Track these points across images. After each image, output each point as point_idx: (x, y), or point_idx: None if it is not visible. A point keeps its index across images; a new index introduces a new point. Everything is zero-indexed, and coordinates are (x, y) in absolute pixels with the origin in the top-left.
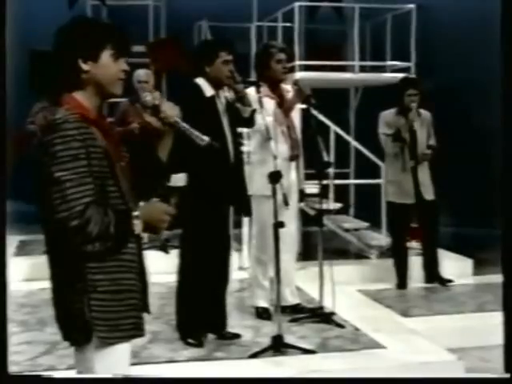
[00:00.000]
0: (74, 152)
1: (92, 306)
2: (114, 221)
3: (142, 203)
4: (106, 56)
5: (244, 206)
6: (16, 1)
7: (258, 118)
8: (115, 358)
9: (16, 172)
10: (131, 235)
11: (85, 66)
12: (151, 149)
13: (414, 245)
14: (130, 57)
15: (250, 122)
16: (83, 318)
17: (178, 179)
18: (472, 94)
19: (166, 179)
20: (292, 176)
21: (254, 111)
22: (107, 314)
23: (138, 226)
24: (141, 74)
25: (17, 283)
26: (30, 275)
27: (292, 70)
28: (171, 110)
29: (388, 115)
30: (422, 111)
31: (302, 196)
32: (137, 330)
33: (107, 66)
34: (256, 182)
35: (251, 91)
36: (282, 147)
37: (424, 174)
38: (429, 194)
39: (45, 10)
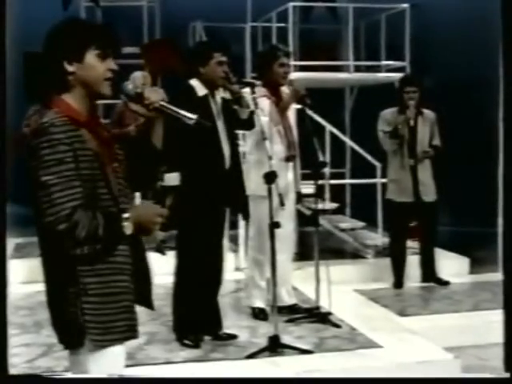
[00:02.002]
0: (60, 156)
1: (84, 310)
2: (103, 223)
3: (134, 204)
4: (90, 56)
5: (242, 209)
6: (13, 3)
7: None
8: (109, 361)
9: (12, 174)
10: (121, 237)
11: (70, 68)
12: (145, 137)
13: (411, 244)
14: (125, 58)
15: (248, 124)
16: (77, 321)
17: (172, 178)
18: (468, 92)
19: (163, 167)
20: (289, 176)
21: (252, 113)
22: (99, 316)
23: (128, 227)
24: (137, 75)
25: (13, 286)
26: (26, 278)
27: (289, 71)
28: (155, 95)
29: (388, 113)
30: (426, 111)
31: (300, 197)
32: (130, 332)
33: (93, 66)
34: (252, 183)
35: (247, 91)
36: (278, 147)
37: (425, 173)
38: (428, 194)
39: (39, 11)
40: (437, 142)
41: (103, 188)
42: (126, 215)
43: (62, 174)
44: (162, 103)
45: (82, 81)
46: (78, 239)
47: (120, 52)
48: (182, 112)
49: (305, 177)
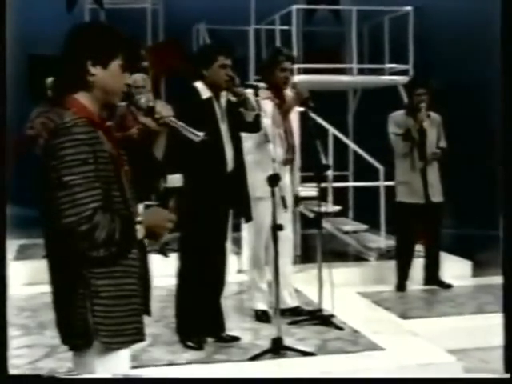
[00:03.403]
0: (83, 156)
1: (95, 312)
2: (120, 227)
3: (142, 209)
4: (115, 65)
5: (245, 211)
6: (15, 5)
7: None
8: (116, 363)
9: (15, 176)
10: (134, 241)
11: (93, 70)
12: (147, 148)
13: (416, 247)
14: None
15: (254, 127)
16: (85, 322)
17: (175, 180)
18: (470, 94)
19: (162, 178)
20: (286, 180)
21: (257, 115)
22: (110, 319)
23: (140, 231)
24: (137, 78)
25: (17, 287)
26: (30, 279)
27: (292, 74)
28: (165, 110)
29: (397, 116)
30: (432, 113)
31: (297, 200)
32: (138, 335)
33: (114, 75)
34: (251, 184)
35: (250, 92)
36: (278, 150)
37: (433, 175)
38: (436, 195)
39: (43, 14)
40: (443, 143)
41: (116, 191)
42: (139, 219)
43: (85, 175)
44: (172, 119)
45: (101, 86)
46: (97, 241)
47: (135, 70)
48: (190, 129)
49: (308, 179)
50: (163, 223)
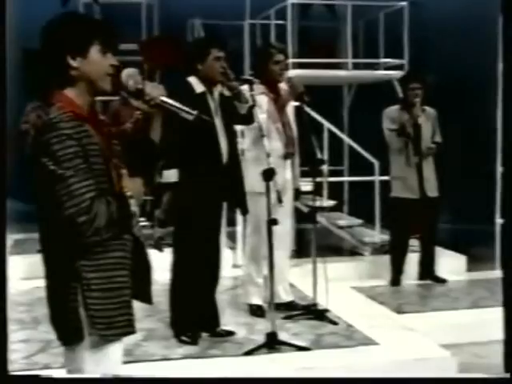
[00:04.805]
0: (72, 150)
1: (87, 305)
2: (116, 206)
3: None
4: (94, 51)
5: (240, 203)
6: (13, 2)
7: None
8: (107, 358)
9: (11, 171)
10: (130, 216)
11: (74, 63)
12: (143, 132)
13: (411, 241)
14: (124, 55)
15: (247, 119)
16: (76, 316)
17: (170, 175)
18: (466, 90)
19: (160, 162)
20: (287, 174)
21: (251, 107)
22: (102, 311)
23: (133, 204)
24: (132, 72)
25: (12, 282)
26: (24, 274)
27: (286, 68)
28: (156, 91)
29: (392, 111)
30: (427, 108)
31: (298, 194)
32: (130, 327)
33: (96, 61)
34: (250, 179)
35: (245, 88)
36: (276, 144)
37: (429, 169)
38: (432, 190)
39: (37, 8)
40: (438, 138)
41: (105, 183)
42: (128, 193)
43: (78, 168)
44: (163, 99)
45: (85, 76)
46: (98, 228)
47: (118, 48)
48: (183, 108)
49: (303, 174)
50: (141, 188)
